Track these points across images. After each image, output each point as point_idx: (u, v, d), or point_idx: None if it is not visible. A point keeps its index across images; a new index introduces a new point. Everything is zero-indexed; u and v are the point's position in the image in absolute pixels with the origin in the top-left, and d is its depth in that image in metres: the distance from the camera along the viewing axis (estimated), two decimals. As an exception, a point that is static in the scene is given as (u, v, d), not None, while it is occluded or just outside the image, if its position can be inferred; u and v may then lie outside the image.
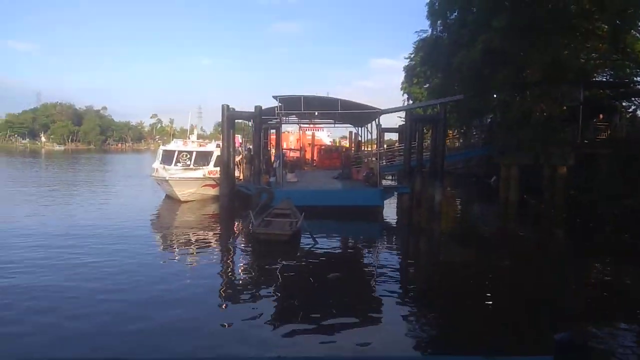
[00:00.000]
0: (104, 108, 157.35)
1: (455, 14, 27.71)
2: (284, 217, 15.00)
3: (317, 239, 13.57)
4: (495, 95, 25.58)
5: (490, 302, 9.42)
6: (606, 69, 28.47)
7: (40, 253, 11.70)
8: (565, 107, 24.91)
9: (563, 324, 7.98)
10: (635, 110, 30.08)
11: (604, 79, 28.82)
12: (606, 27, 23.32)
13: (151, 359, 6.30)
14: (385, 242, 16.13)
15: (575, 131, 24.86)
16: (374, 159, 26.61)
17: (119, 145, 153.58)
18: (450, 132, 40.54)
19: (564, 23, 21.14)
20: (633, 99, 29.20)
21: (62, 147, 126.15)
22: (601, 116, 26.69)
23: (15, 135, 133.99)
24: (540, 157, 22.75)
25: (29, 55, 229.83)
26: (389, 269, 11.72)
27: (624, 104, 29.55)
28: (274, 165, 23.86)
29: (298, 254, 12.82)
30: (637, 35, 23.84)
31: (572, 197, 22.11)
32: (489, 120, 33.83)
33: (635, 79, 27.08)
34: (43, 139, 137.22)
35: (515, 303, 9.26)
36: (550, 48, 20.83)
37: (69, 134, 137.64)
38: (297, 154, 38.81)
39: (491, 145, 29.03)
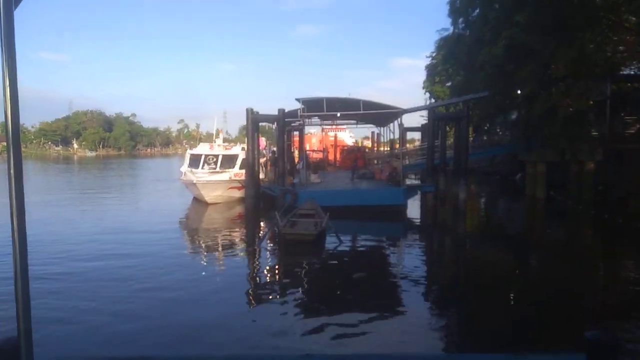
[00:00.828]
0: (133, 115, 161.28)
1: (477, 11, 27.54)
2: (308, 218, 15.27)
3: (342, 239, 13.82)
4: (519, 92, 25.28)
5: (518, 300, 9.42)
6: (634, 62, 27.78)
7: (73, 255, 12.29)
8: (591, 102, 24.44)
9: (594, 321, 7.97)
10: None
11: (632, 72, 28.13)
12: (634, 18, 22.86)
13: (177, 355, 6.54)
14: (410, 241, 16.21)
15: (603, 126, 24.40)
16: (396, 158, 26.68)
17: (148, 150, 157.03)
18: (473, 130, 40.18)
19: (589, 16, 20.80)
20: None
21: (93, 153, 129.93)
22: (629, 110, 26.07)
23: (49, 143, 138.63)
24: (567, 153, 22.43)
25: (60, 65, 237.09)
26: (414, 268, 11.81)
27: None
28: (298, 167, 24.21)
29: (323, 254, 13.09)
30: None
31: (600, 194, 21.74)
32: (513, 117, 33.39)
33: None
34: (75, 145, 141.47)
35: (544, 300, 9.17)
36: (576, 42, 20.53)
37: (100, 140, 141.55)
38: (320, 155, 39.14)
39: (516, 142, 28.69)
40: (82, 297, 8.82)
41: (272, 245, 14.18)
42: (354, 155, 37.18)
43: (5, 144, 1.59)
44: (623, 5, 21.93)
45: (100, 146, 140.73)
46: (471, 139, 32.71)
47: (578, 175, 22.33)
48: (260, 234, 16.22)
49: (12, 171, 1.59)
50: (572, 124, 21.57)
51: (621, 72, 26.87)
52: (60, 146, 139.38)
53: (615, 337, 2.45)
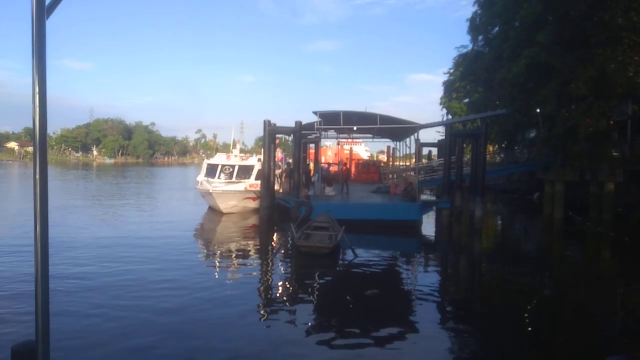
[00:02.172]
0: (152, 123, 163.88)
1: (497, 28, 27.55)
2: (322, 230, 15.26)
3: (357, 252, 13.74)
4: (538, 110, 25.08)
5: (534, 322, 9.19)
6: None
7: (90, 261, 12.46)
8: (612, 122, 24.10)
9: (612, 346, 7.78)
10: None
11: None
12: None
13: None
14: (424, 258, 16.03)
15: (624, 146, 24.00)
16: (412, 172, 26.56)
17: (166, 158, 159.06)
18: (491, 147, 39.88)
19: (611, 36, 20.63)
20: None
21: (112, 160, 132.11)
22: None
23: (69, 149, 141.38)
24: (586, 173, 22.09)
25: (83, 74, 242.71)
26: (428, 286, 11.65)
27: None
28: (313, 179, 24.24)
29: (338, 267, 13.04)
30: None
31: (620, 215, 21.30)
32: (531, 135, 33.08)
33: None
34: (95, 152, 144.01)
35: (561, 323, 8.98)
36: (596, 61, 20.36)
37: (119, 147, 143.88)
38: (336, 168, 39.16)
39: (535, 161, 28.39)
40: (93, 305, 8.88)
41: (286, 257, 14.17)
42: (370, 169, 37.14)
43: (29, 149, 1.62)
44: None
45: (119, 153, 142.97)
46: (489, 156, 32.44)
47: (598, 195, 21.95)
48: (274, 245, 16.23)
49: (37, 176, 1.62)
50: (592, 144, 21.29)
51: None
52: (80, 152, 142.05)
53: None
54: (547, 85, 21.90)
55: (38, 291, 1.67)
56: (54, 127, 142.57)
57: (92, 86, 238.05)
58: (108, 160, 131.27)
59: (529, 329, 8.89)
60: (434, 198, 25.81)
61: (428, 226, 21.07)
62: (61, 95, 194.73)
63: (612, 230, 20.15)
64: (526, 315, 9.66)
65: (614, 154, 23.32)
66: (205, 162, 27.79)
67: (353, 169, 40.48)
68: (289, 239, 14.41)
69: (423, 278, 12.81)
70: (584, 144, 21.42)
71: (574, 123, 21.43)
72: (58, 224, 17.64)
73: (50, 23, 1.79)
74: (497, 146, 42.84)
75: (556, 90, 21.64)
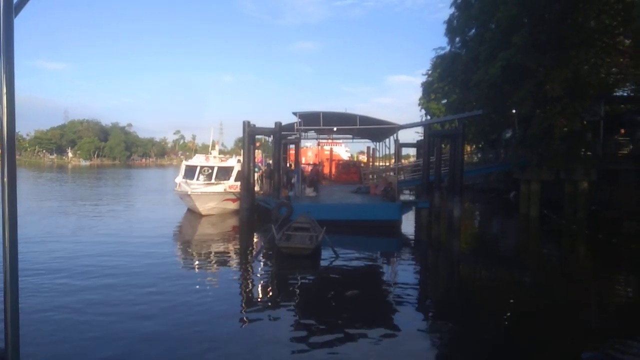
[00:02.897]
0: (129, 125, 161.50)
1: (474, 30, 27.95)
2: (303, 231, 15.22)
3: (338, 253, 13.73)
4: (514, 111, 25.54)
5: (512, 319, 9.34)
6: (627, 84, 28.21)
7: (63, 265, 12.16)
8: (586, 122, 24.71)
9: (587, 342, 7.93)
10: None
11: (625, 94, 28.54)
12: (628, 41, 23.25)
13: None
14: (404, 258, 16.13)
15: (597, 146, 24.62)
16: (391, 173, 26.75)
17: (143, 160, 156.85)
18: (469, 147, 40.48)
19: (584, 38, 21.14)
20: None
21: (88, 163, 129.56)
22: (623, 131, 26.38)
23: (43, 151, 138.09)
24: (562, 173, 22.58)
25: (57, 74, 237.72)
26: (407, 285, 11.72)
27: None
28: (293, 181, 24.20)
29: (319, 268, 13.01)
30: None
31: (594, 213, 21.83)
32: (508, 135, 33.69)
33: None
34: (70, 154, 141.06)
35: (537, 320, 9.13)
36: (571, 63, 20.83)
37: (95, 149, 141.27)
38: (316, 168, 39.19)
39: (511, 161, 28.90)
40: (67, 311, 8.66)
41: (267, 258, 14.07)
42: (350, 170, 37.30)
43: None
44: (617, 29, 22.32)
45: (95, 155, 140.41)
46: (466, 157, 32.91)
47: (572, 194, 22.44)
48: (255, 247, 16.12)
49: (5, 179, 1.56)
50: (566, 144, 21.78)
51: (615, 94, 27.25)
52: (55, 155, 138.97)
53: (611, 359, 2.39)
54: (522, 87, 22.30)
55: (7, 298, 1.61)
56: (28, 129, 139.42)
57: (66, 87, 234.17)
58: (84, 163, 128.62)
59: (507, 325, 9.02)
60: (413, 198, 26.02)
61: (407, 226, 21.23)
62: (35, 96, 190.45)
63: (586, 228, 20.63)
64: (504, 312, 9.80)
65: (588, 153, 23.89)
66: (184, 163, 27.45)
67: (333, 170, 40.58)
68: (270, 240, 14.31)
69: (403, 277, 12.88)
70: (559, 144, 21.90)
71: (549, 123, 21.88)
72: (27, 228, 17.18)
73: (22, 22, 1.72)
74: (474, 146, 43.49)
75: (531, 91, 22.07)
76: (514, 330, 8.66)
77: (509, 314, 9.71)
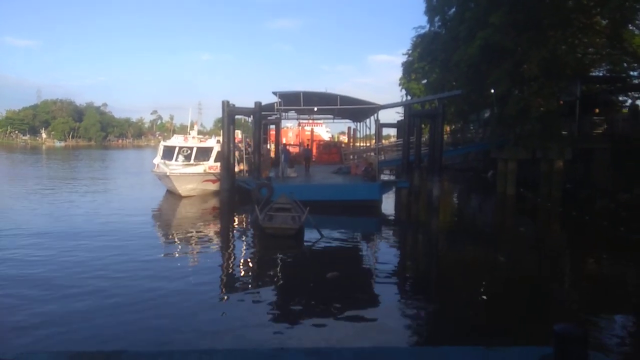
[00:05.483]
0: (105, 104, 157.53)
1: (453, 10, 27.90)
2: (284, 212, 15.23)
3: (322, 233, 13.80)
4: (493, 91, 25.77)
5: (489, 295, 9.62)
6: (603, 64, 28.67)
7: (41, 247, 11.98)
8: (562, 102, 25.11)
9: (561, 315, 8.19)
10: (632, 104, 30.31)
11: (601, 74, 29.02)
12: (604, 21, 23.53)
13: (149, 351, 6.40)
14: (384, 237, 16.34)
15: (573, 126, 25.10)
16: (372, 153, 26.85)
17: (120, 141, 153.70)
18: (448, 127, 40.80)
19: (562, 18, 21.30)
20: (629, 93, 29.42)
21: (62, 143, 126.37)
22: (597, 111, 26.93)
23: (16, 132, 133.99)
24: (538, 152, 22.99)
25: (28, 52, 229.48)
26: (388, 264, 11.92)
27: (620, 98, 29.79)
28: (282, 160, 24.06)
29: (302, 248, 13.07)
30: (635, 29, 24.04)
31: (569, 191, 22.37)
32: (486, 115, 34.04)
33: (631, 73, 27.29)
34: (44, 135, 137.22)
35: (513, 295, 9.46)
36: (548, 43, 21.02)
37: (69, 130, 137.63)
38: (297, 149, 39.08)
39: (489, 140, 29.26)
40: (43, 296, 8.54)
41: (248, 239, 14.06)
42: (331, 150, 37.31)
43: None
44: (594, 9, 22.52)
45: (70, 136, 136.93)
46: (446, 136, 33.20)
47: (548, 173, 22.91)
48: (237, 227, 16.08)
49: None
50: (542, 124, 22.13)
51: (591, 74, 27.67)
52: (28, 135, 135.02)
53: (583, 331, 2.49)
54: (500, 67, 22.46)
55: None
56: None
57: (39, 65, 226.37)
58: (58, 144, 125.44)
59: (485, 299, 9.30)
60: (393, 178, 26.22)
61: (388, 205, 21.43)
62: (4, 75, 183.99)
63: (560, 205, 21.15)
64: (482, 287, 10.09)
65: (563, 133, 24.35)
66: (162, 144, 27.03)
67: (314, 150, 40.50)
68: (253, 220, 14.25)
69: (384, 256, 13.09)
70: (535, 123, 22.24)
71: (525, 103, 22.17)
72: None
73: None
74: (454, 126, 43.85)
75: (509, 71, 22.25)
76: (491, 305, 8.91)
77: (486, 289, 9.97)
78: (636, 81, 26.86)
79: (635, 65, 25.83)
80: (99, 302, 8.15)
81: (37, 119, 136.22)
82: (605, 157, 22.60)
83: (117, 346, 6.43)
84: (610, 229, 16.85)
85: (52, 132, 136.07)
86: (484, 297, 9.52)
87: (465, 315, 8.21)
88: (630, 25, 22.90)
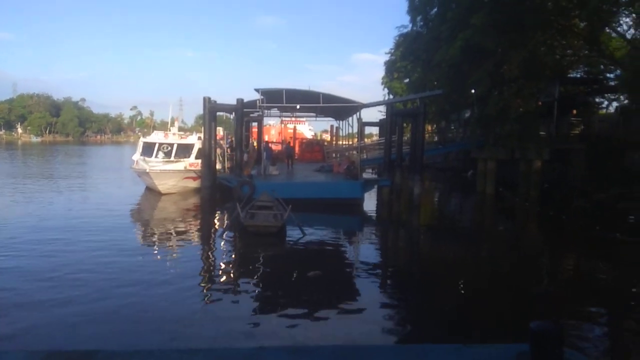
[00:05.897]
0: (83, 99, 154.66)
1: (435, 10, 28.09)
2: (267, 210, 15.14)
3: (305, 231, 13.75)
4: (473, 91, 26.06)
5: (468, 292, 9.78)
6: (580, 66, 29.23)
7: (13, 248, 11.68)
8: (541, 103, 25.51)
9: (538, 313, 8.32)
10: (607, 106, 31.03)
11: (579, 76, 29.58)
12: (583, 24, 23.97)
13: (126, 350, 6.30)
14: (366, 235, 16.38)
15: (551, 126, 25.54)
16: (354, 152, 26.91)
17: (98, 137, 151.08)
18: (429, 126, 41.13)
19: (541, 19, 21.62)
20: (606, 95, 30.07)
21: (39, 139, 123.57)
22: (575, 112, 27.44)
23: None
24: (516, 152, 23.33)
25: (3, 45, 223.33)
26: (369, 262, 11.93)
27: (597, 100, 30.42)
28: (264, 158, 23.92)
29: (284, 246, 13.03)
30: (611, 32, 24.55)
31: (546, 191, 22.75)
32: (467, 115, 34.42)
33: (608, 75, 27.88)
34: (19, 130, 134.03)
35: (491, 293, 9.58)
36: (528, 44, 21.32)
37: (46, 125, 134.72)
38: (279, 147, 38.92)
39: (469, 140, 29.58)
40: (21, 292, 8.36)
41: (232, 236, 13.92)
42: (314, 148, 37.27)
43: None
44: (572, 11, 22.91)
45: (47, 132, 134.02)
46: (427, 136, 33.47)
47: (526, 173, 23.26)
48: (219, 225, 15.93)
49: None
50: (521, 124, 22.46)
51: (569, 75, 28.18)
52: (3, 130, 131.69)
53: (559, 328, 2.51)
54: (481, 67, 22.71)
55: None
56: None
57: (15, 58, 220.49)
58: (34, 139, 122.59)
59: (464, 296, 9.41)
60: (375, 176, 26.32)
61: (370, 203, 21.49)
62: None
63: (538, 205, 21.51)
64: (461, 284, 10.21)
65: (541, 133, 24.75)
66: (142, 140, 26.57)
67: (297, 148, 40.41)
68: (235, 218, 14.13)
69: (365, 254, 13.13)
70: (514, 124, 22.57)
71: (505, 104, 22.46)
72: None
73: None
74: (435, 126, 44.21)
75: (490, 71, 22.51)
76: (470, 302, 9.02)
77: (465, 286, 10.10)
78: (612, 83, 27.42)
79: (612, 67, 26.38)
80: (75, 301, 7.98)
81: (12, 113, 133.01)
82: (581, 158, 23.05)
83: (93, 346, 6.31)
84: (586, 228, 17.19)
85: (29, 127, 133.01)
86: (463, 294, 9.65)
87: (445, 312, 8.30)
88: (607, 28, 23.37)
